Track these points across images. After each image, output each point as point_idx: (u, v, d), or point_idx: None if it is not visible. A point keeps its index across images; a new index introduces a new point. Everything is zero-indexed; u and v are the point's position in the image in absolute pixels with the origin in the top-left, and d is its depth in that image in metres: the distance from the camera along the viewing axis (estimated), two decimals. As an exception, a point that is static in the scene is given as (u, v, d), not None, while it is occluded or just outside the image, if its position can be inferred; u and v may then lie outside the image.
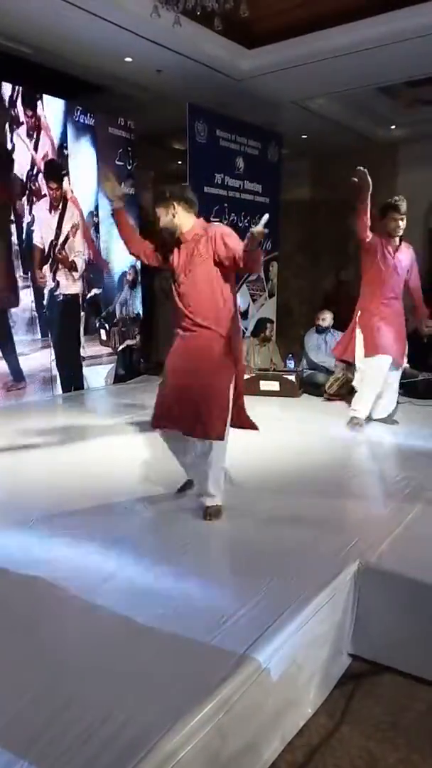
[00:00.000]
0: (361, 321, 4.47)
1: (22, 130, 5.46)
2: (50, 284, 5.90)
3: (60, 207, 5.89)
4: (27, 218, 5.57)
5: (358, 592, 2.31)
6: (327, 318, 6.12)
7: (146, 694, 1.66)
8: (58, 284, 5.98)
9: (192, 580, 2.28)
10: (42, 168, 5.67)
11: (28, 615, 2.09)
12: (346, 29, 5.44)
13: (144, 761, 1.41)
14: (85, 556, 2.48)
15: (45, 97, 5.65)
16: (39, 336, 5.78)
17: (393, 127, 8.33)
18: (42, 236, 5.72)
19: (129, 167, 6.69)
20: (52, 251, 5.87)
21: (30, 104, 5.52)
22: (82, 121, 6.05)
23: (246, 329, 7.41)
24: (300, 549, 2.52)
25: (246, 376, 5.97)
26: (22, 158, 5.50)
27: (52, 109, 5.73)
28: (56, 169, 5.83)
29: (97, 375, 6.45)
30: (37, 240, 5.68)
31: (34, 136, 5.60)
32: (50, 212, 5.79)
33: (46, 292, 5.84)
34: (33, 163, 5.60)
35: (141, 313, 7.13)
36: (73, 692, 1.67)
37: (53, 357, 5.90)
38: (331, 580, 2.22)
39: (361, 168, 3.90)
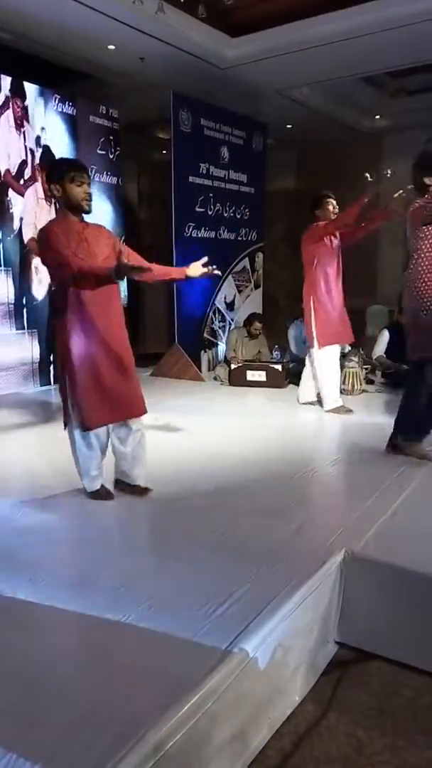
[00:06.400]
0: (316, 312, 4.78)
1: (9, 118, 5.39)
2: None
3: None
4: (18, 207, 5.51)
5: (344, 580, 2.32)
6: None
7: (134, 686, 1.66)
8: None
9: (178, 570, 2.28)
10: (37, 157, 5.62)
11: (11, 611, 2.07)
12: (329, 18, 5.41)
13: (132, 753, 1.40)
14: (66, 551, 2.46)
15: (26, 84, 5.57)
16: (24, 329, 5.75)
17: (377, 117, 8.32)
18: (36, 224, 5.64)
19: (111, 156, 6.61)
20: None
21: (16, 92, 5.45)
22: (60, 110, 5.96)
23: (232, 321, 7.40)
24: (286, 538, 2.53)
25: (233, 366, 6.06)
26: (11, 148, 5.45)
27: (33, 97, 5.65)
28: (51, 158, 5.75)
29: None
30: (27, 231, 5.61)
31: (23, 124, 5.54)
32: (47, 203, 5.72)
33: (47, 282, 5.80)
34: (25, 152, 5.55)
35: (126, 302, 7.07)
36: (60, 686, 1.66)
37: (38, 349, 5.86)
38: (318, 569, 2.22)
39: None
